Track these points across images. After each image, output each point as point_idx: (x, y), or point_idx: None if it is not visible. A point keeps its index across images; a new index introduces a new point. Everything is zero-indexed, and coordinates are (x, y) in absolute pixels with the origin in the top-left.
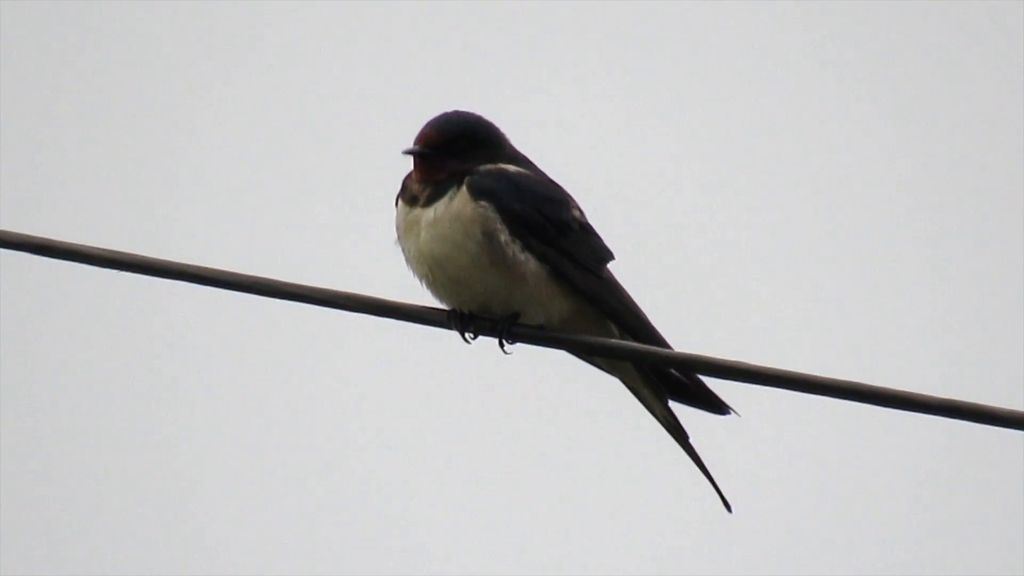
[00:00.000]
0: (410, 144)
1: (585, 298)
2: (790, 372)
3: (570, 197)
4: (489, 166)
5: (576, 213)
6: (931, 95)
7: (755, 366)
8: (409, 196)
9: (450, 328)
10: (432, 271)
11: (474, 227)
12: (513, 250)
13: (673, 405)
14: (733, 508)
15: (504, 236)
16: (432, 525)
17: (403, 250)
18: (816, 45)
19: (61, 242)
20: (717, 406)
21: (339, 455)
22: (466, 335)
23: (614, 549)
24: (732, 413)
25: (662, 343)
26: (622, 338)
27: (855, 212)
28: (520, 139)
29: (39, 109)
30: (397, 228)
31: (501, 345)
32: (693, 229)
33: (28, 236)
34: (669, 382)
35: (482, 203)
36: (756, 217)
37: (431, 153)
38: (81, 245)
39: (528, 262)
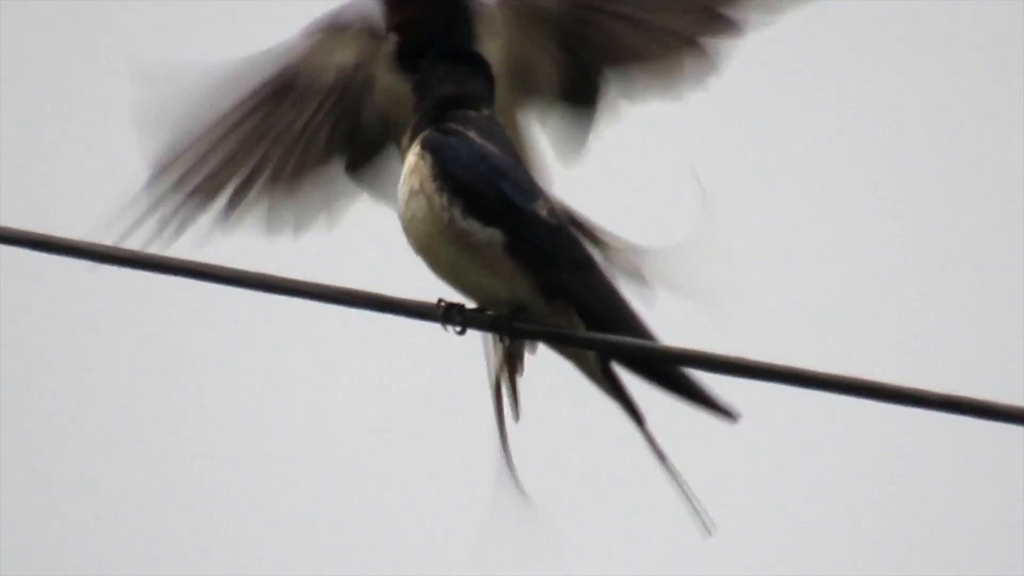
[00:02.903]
0: None
1: (546, 284)
2: (779, 365)
3: (542, 191)
4: (449, 124)
5: (544, 207)
6: (937, 93)
7: (753, 361)
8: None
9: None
10: (414, 242)
11: (414, 179)
12: (452, 214)
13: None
14: (713, 530)
15: (443, 199)
16: (431, 526)
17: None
18: (817, 40)
19: (55, 237)
20: (724, 412)
21: (336, 456)
22: (448, 325)
23: (619, 551)
24: (738, 420)
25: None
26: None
27: (856, 208)
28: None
29: (34, 106)
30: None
31: (501, 340)
32: (695, 224)
33: (23, 232)
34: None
35: (425, 156)
36: (755, 211)
37: None
38: (75, 240)
39: (475, 231)
